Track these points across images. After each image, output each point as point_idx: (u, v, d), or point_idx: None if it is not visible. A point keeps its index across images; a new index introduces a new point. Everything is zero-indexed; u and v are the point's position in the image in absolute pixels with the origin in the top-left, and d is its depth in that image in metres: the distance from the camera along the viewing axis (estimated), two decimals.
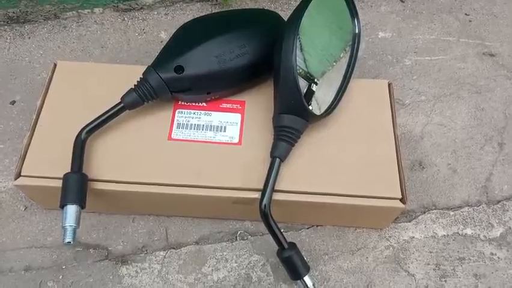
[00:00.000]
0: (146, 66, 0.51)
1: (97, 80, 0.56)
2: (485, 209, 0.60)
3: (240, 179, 0.50)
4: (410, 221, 0.58)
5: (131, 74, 0.51)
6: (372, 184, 0.50)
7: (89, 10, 0.74)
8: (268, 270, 0.54)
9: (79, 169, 0.48)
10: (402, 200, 0.50)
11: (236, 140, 0.53)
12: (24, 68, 0.68)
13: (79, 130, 0.49)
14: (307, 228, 0.57)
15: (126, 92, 0.50)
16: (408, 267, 0.55)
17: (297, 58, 0.47)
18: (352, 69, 0.54)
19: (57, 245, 0.55)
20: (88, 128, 0.49)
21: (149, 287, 0.52)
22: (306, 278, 0.48)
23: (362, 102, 0.56)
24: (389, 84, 0.57)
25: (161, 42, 0.72)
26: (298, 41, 0.47)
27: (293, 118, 0.48)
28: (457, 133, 0.65)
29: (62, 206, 0.45)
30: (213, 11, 0.76)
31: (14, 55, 0.70)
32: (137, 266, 0.54)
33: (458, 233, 0.58)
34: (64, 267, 0.53)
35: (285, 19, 0.52)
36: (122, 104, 0.50)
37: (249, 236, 0.56)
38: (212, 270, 0.54)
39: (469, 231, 0.58)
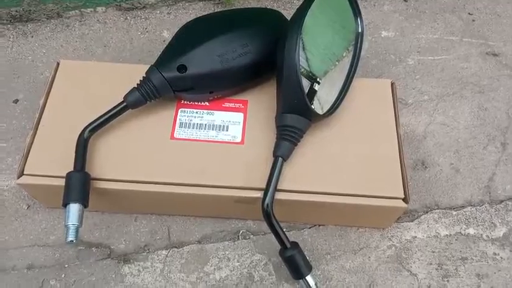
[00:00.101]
0: (149, 66, 0.51)
1: (99, 79, 0.56)
2: (487, 208, 0.59)
3: (243, 178, 0.50)
4: (412, 221, 0.58)
5: (134, 73, 0.51)
6: (375, 183, 0.50)
7: (92, 9, 0.74)
8: (270, 270, 0.54)
9: (82, 168, 0.48)
10: (404, 200, 0.50)
11: (239, 140, 0.53)
12: (27, 66, 0.69)
13: (82, 129, 0.49)
14: (310, 228, 0.57)
15: (129, 91, 0.50)
16: (411, 266, 0.55)
17: (300, 57, 0.47)
18: (355, 69, 0.54)
19: (60, 244, 0.55)
20: (90, 127, 0.49)
21: (151, 286, 0.52)
22: (308, 278, 0.48)
23: (365, 102, 0.56)
24: (392, 84, 0.57)
25: (164, 41, 0.72)
26: (300, 40, 0.47)
27: (296, 117, 0.48)
28: (460, 133, 0.65)
29: (65, 204, 0.45)
30: (216, 10, 0.76)
31: (17, 54, 0.70)
32: (139, 265, 0.54)
33: (460, 232, 0.57)
34: (66, 265, 0.53)
35: (288, 18, 0.52)
36: (125, 103, 0.50)
37: (251, 235, 0.56)
38: (214, 269, 0.54)
39: (471, 231, 0.58)
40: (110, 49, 0.71)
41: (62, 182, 0.47)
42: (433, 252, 0.56)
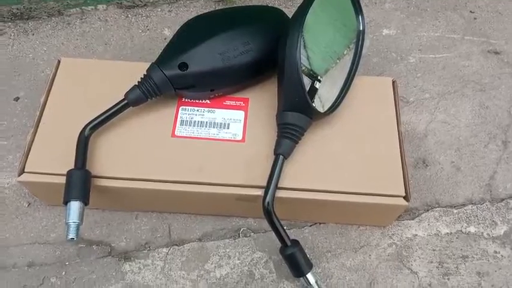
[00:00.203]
0: (149, 63, 0.51)
1: (100, 77, 0.56)
2: (488, 207, 0.59)
3: (243, 176, 0.50)
4: (413, 219, 0.58)
5: (135, 71, 0.51)
6: (376, 182, 0.50)
7: (93, 7, 0.74)
8: (271, 267, 0.54)
9: (83, 165, 0.48)
10: (405, 198, 0.50)
11: (239, 137, 0.53)
12: (28, 64, 0.69)
13: (83, 127, 0.49)
14: (310, 226, 0.57)
15: (130, 89, 0.50)
16: (411, 265, 0.55)
17: (301, 55, 0.46)
18: (356, 67, 0.54)
19: (61, 241, 0.55)
20: (91, 125, 0.49)
21: (152, 284, 0.52)
22: (309, 275, 0.48)
23: (366, 100, 0.56)
24: (393, 82, 0.57)
25: (165, 39, 0.72)
26: (302, 38, 0.47)
27: (297, 115, 0.48)
28: (461, 131, 0.65)
29: (66, 202, 0.45)
30: (217, 8, 0.76)
31: (17, 52, 0.70)
32: (140, 262, 0.54)
33: (461, 231, 0.57)
34: (67, 263, 0.53)
35: (289, 16, 0.51)
36: (125, 101, 0.50)
37: (252, 233, 0.56)
38: (215, 267, 0.54)
39: (472, 229, 0.58)
40: (111, 47, 0.71)
41: (62, 180, 0.47)
42: (434, 250, 0.56)
